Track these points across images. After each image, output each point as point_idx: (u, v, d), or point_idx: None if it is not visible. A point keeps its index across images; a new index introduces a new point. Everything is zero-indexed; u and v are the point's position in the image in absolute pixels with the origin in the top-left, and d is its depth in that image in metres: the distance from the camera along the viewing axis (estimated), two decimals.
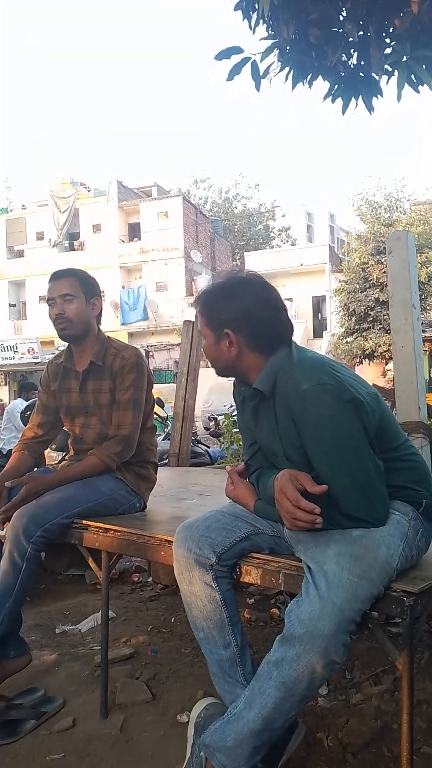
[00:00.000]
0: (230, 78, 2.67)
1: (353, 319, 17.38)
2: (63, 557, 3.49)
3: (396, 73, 2.48)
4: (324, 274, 24.10)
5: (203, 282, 23.04)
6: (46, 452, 2.66)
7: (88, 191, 27.25)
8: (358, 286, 17.15)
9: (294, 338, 1.56)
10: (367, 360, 17.64)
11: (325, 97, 2.87)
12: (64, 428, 2.40)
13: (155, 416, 2.85)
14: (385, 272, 13.48)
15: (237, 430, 4.76)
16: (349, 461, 1.37)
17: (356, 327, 17.39)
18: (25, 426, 2.48)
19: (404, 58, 2.41)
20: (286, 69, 2.78)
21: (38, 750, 1.83)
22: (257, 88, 2.73)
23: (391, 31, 2.58)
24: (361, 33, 2.61)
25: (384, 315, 16.02)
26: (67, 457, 2.50)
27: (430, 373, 12.83)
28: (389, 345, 13.29)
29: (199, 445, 6.12)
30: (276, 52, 2.71)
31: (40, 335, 22.49)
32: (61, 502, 2.03)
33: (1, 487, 2.08)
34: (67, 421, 2.33)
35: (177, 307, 24.28)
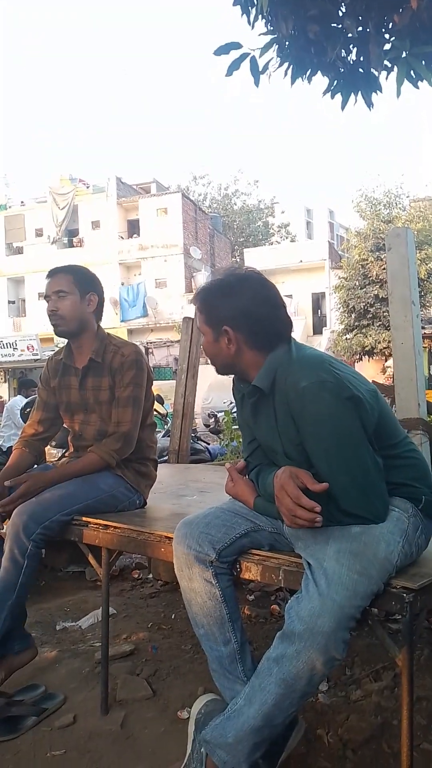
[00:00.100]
0: (229, 73, 2.66)
1: (353, 315, 17.37)
2: (63, 554, 3.50)
3: (395, 69, 2.47)
4: (323, 271, 24.05)
5: (202, 278, 23.01)
6: (45, 449, 2.66)
7: (87, 188, 27.18)
8: (357, 283, 17.13)
9: (294, 335, 1.56)
10: (366, 357, 17.64)
11: (324, 93, 2.86)
12: (64, 425, 2.40)
13: (155, 413, 2.85)
14: (384, 269, 13.48)
15: (237, 427, 4.76)
16: (348, 458, 1.37)
17: (356, 324, 17.38)
18: (25, 423, 2.48)
19: (403, 54, 2.40)
20: (285, 65, 2.77)
21: (39, 746, 1.83)
22: (256, 83, 2.72)
23: (390, 26, 2.57)
24: (360, 29, 2.60)
25: (383, 312, 16.01)
26: (66, 454, 2.50)
27: (429, 370, 12.84)
28: (389, 342, 13.28)
29: (199, 442, 6.13)
30: (275, 47, 2.70)
31: (39, 332, 22.48)
32: (61, 499, 2.03)
33: (0, 487, 2.08)
34: (67, 418, 2.33)
35: (176, 304, 24.26)
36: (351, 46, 2.74)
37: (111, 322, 23.11)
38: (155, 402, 3.03)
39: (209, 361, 1.62)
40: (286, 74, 2.79)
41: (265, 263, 22.68)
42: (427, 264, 16.10)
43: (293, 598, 1.33)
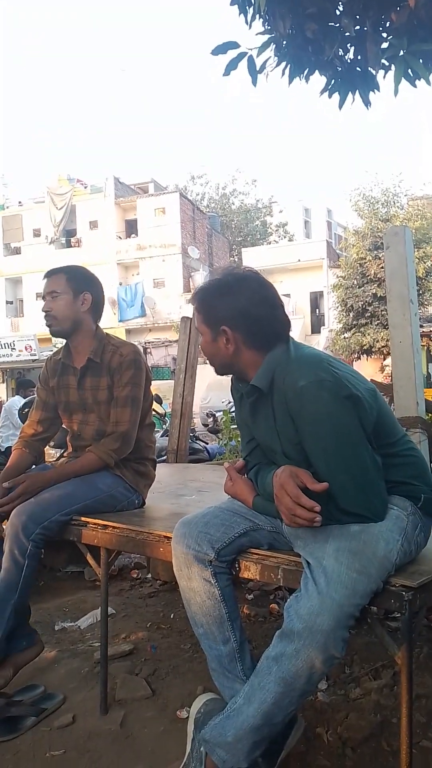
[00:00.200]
0: (227, 73, 2.66)
1: (351, 314, 17.37)
2: (62, 554, 3.49)
3: (393, 67, 2.47)
4: (321, 270, 24.04)
5: (201, 278, 22.99)
6: (44, 449, 2.66)
7: (85, 188, 27.14)
8: (355, 282, 17.14)
9: (292, 334, 1.56)
10: (365, 355, 17.65)
11: (322, 92, 2.87)
12: (63, 425, 2.40)
13: (153, 413, 2.85)
14: (382, 267, 13.49)
15: (235, 426, 4.76)
16: (347, 457, 1.37)
17: (354, 322, 17.38)
18: (23, 423, 2.48)
19: (401, 53, 2.40)
20: (283, 64, 2.77)
21: (38, 746, 1.83)
22: (254, 83, 2.72)
23: (387, 25, 2.57)
24: (357, 27, 2.60)
25: (382, 310, 16.00)
26: (65, 454, 2.50)
27: (427, 369, 12.85)
28: (387, 340, 13.29)
29: (198, 441, 6.14)
30: (272, 47, 2.70)
31: (37, 332, 22.44)
32: (60, 499, 2.03)
33: None
34: (66, 417, 2.33)
35: (174, 304, 24.23)
36: (348, 45, 2.75)
37: (109, 322, 23.08)
38: (154, 402, 3.03)
39: (208, 361, 1.62)
40: (283, 73, 2.80)
41: (263, 262, 22.66)
42: (425, 262, 16.11)
43: (292, 597, 1.34)
